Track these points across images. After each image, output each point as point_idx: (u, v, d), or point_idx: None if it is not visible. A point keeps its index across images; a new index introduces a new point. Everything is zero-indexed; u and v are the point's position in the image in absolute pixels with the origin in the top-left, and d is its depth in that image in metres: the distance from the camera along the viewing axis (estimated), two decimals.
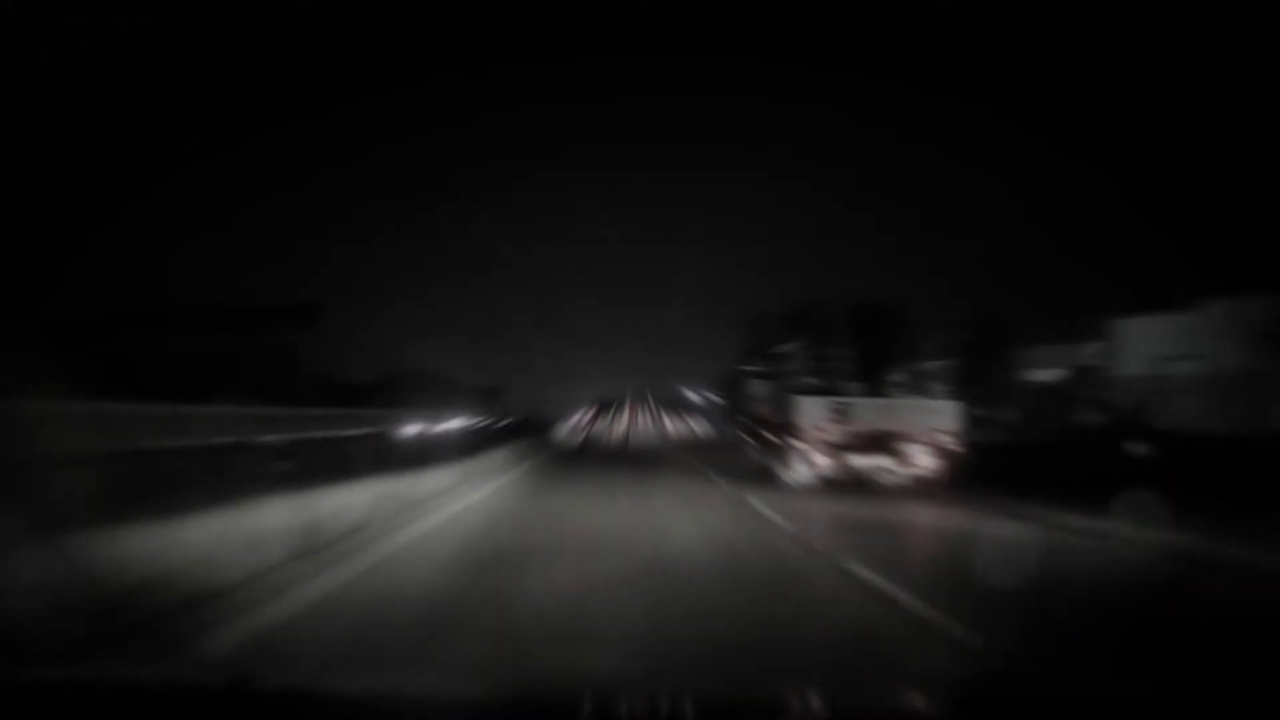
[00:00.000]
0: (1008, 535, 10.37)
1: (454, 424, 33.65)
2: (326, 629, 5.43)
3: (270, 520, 7.14)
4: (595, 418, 76.57)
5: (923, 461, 14.00)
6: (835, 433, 14.09)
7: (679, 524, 10.94)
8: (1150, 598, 7.01)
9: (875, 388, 15.95)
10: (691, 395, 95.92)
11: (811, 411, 14.24)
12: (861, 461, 14.05)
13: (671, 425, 70.80)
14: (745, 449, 20.77)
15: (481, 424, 33.48)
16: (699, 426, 68.34)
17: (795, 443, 14.24)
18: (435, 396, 48.19)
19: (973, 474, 13.90)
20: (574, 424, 63.20)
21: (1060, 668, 4.57)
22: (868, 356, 16.65)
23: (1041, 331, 26.06)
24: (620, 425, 69.37)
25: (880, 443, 14.07)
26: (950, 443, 14.08)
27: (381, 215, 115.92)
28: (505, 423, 36.61)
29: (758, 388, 19.68)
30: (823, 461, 14.05)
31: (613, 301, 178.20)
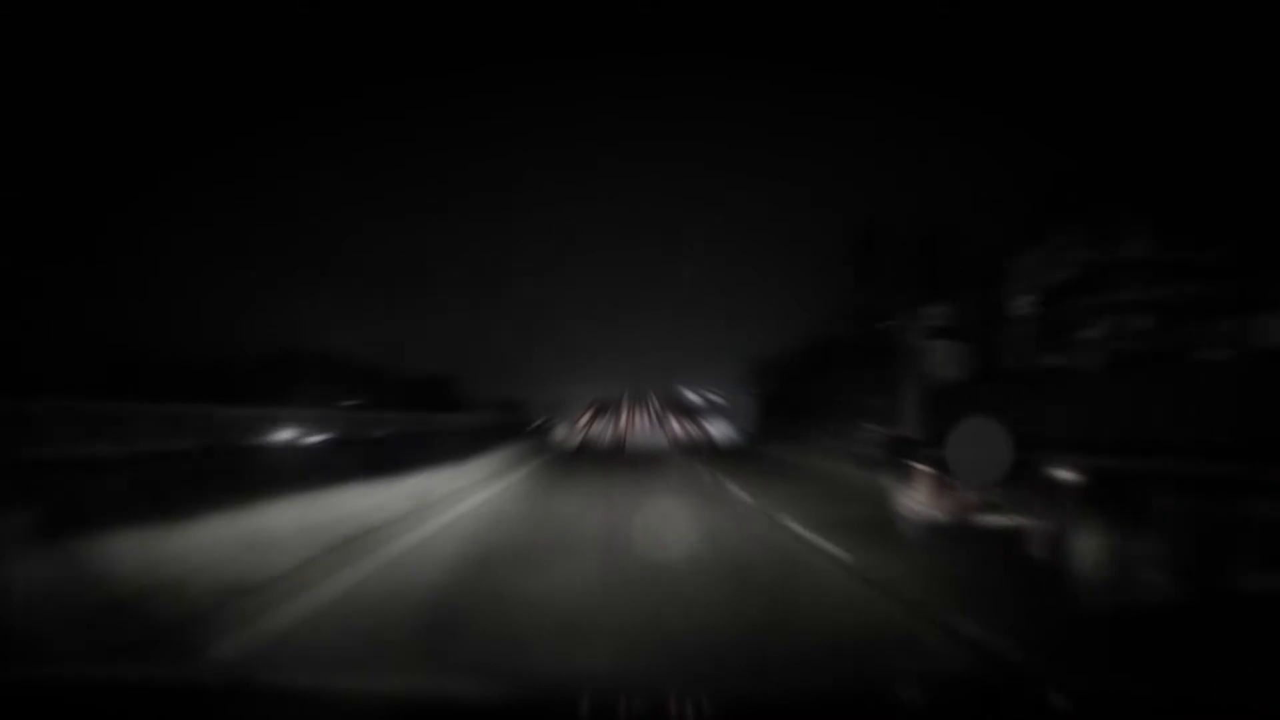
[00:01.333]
0: None
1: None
2: None
3: None
4: (591, 423, 69.54)
5: None
6: None
7: None
8: None
9: None
10: (692, 396, 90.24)
11: None
12: None
13: (683, 431, 61.22)
14: (891, 496, 9.70)
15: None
16: (716, 430, 60.45)
17: None
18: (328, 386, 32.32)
19: None
20: (564, 432, 52.96)
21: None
22: None
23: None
24: (621, 434, 59.41)
25: None
26: None
27: (380, 214, 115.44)
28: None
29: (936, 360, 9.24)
30: None
31: (610, 302, 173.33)
